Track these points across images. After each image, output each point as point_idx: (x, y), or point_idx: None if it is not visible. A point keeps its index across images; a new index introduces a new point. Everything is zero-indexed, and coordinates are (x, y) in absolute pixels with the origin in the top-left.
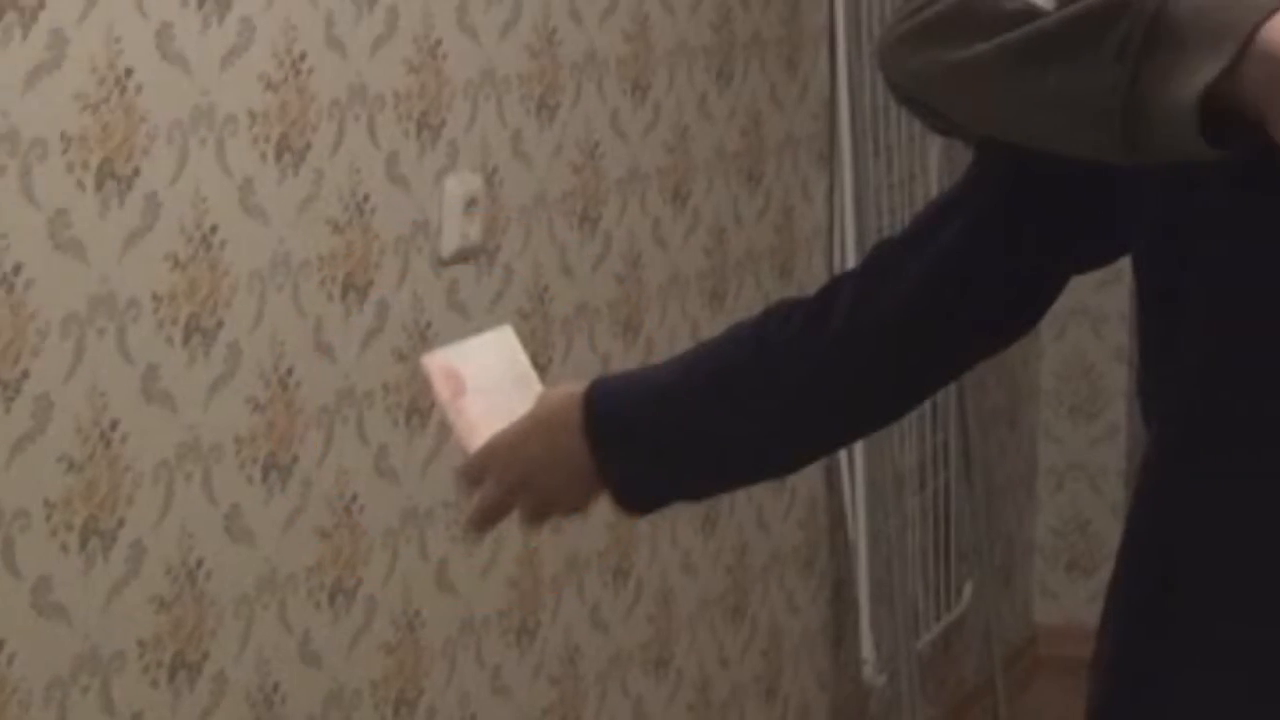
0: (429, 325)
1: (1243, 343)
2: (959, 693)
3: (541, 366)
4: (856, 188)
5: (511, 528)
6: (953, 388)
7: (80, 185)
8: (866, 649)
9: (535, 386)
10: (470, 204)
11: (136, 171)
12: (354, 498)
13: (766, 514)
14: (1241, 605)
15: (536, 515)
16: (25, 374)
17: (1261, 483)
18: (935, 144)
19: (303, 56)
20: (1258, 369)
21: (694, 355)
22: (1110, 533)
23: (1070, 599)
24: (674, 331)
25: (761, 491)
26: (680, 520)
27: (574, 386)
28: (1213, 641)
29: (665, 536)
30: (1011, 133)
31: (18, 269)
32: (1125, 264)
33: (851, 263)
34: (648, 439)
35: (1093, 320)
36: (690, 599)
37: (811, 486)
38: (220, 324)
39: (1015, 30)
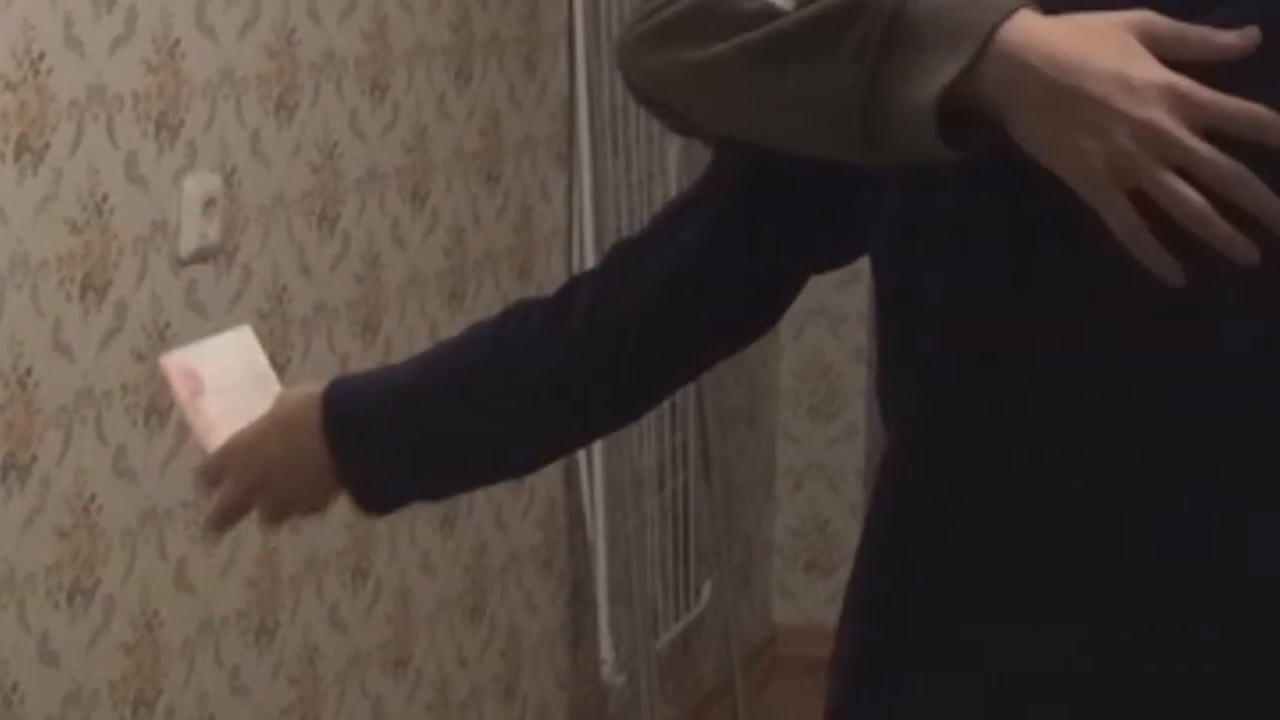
0: (168, 325)
1: (979, 344)
2: (698, 693)
3: (280, 366)
4: (595, 188)
5: (250, 527)
6: (691, 387)
7: None
8: (605, 649)
9: (274, 386)
10: (209, 204)
11: None
12: (92, 497)
13: (505, 514)
14: (978, 604)
15: (275, 515)
16: None
17: (996, 483)
18: (674, 144)
19: (41, 56)
20: (993, 370)
21: (433, 355)
22: (849, 532)
23: (809, 599)
24: (413, 331)
25: (500, 491)
26: (419, 520)
27: (313, 386)
28: (950, 641)
29: (404, 537)
30: (751, 132)
31: None
32: (864, 264)
33: (590, 262)
34: (386, 439)
35: (831, 320)
36: (429, 599)
37: (550, 486)
38: None
39: (754, 30)
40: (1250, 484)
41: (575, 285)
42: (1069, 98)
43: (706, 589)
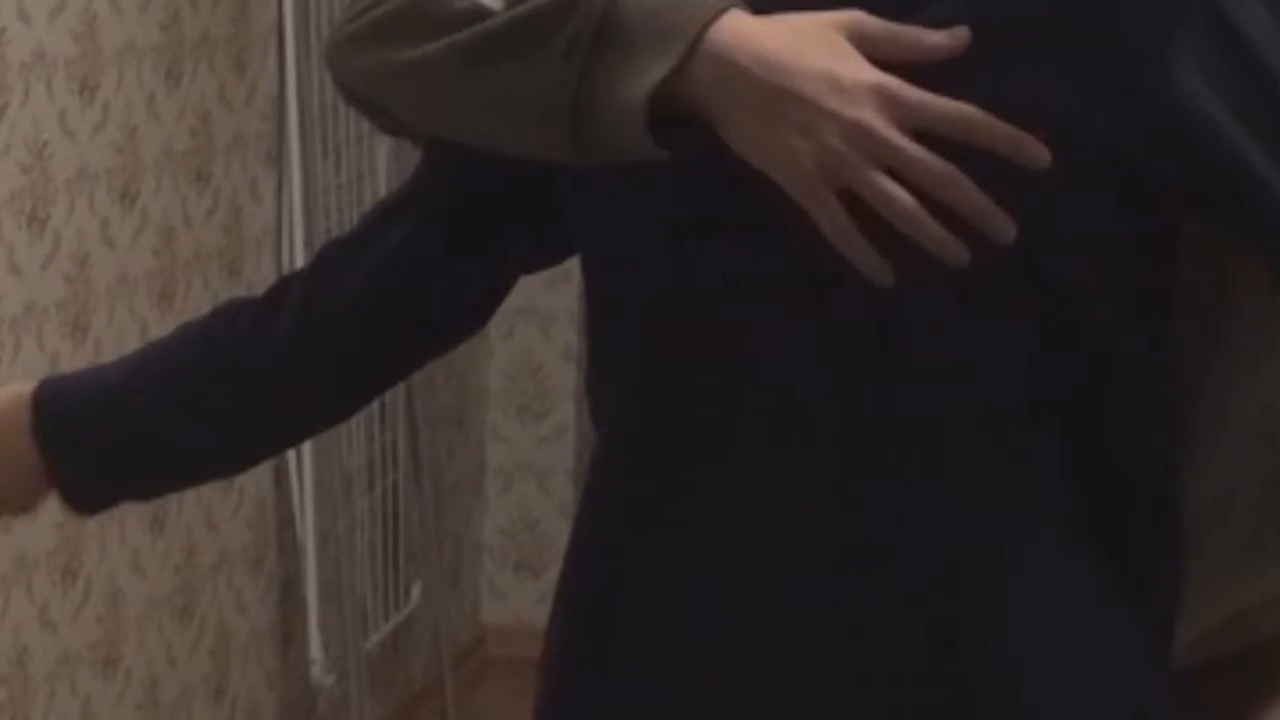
0: None
1: (686, 344)
2: (408, 692)
3: None
4: (305, 188)
5: None
6: (401, 387)
7: None
8: (315, 649)
9: None
10: None
11: None
12: None
13: (215, 513)
14: (685, 605)
15: None
16: None
17: (702, 483)
18: (384, 144)
19: None
20: (699, 370)
21: (143, 355)
22: (559, 532)
23: (519, 599)
24: (123, 332)
25: (210, 491)
26: (129, 520)
27: (22, 387)
28: (656, 641)
29: (114, 536)
30: (462, 133)
31: None
32: (574, 264)
33: (300, 262)
34: (95, 439)
35: (541, 320)
36: (139, 599)
37: (260, 486)
38: None
39: (465, 30)
40: (940, 483)
41: (284, 285)
42: (778, 98)
43: (416, 589)
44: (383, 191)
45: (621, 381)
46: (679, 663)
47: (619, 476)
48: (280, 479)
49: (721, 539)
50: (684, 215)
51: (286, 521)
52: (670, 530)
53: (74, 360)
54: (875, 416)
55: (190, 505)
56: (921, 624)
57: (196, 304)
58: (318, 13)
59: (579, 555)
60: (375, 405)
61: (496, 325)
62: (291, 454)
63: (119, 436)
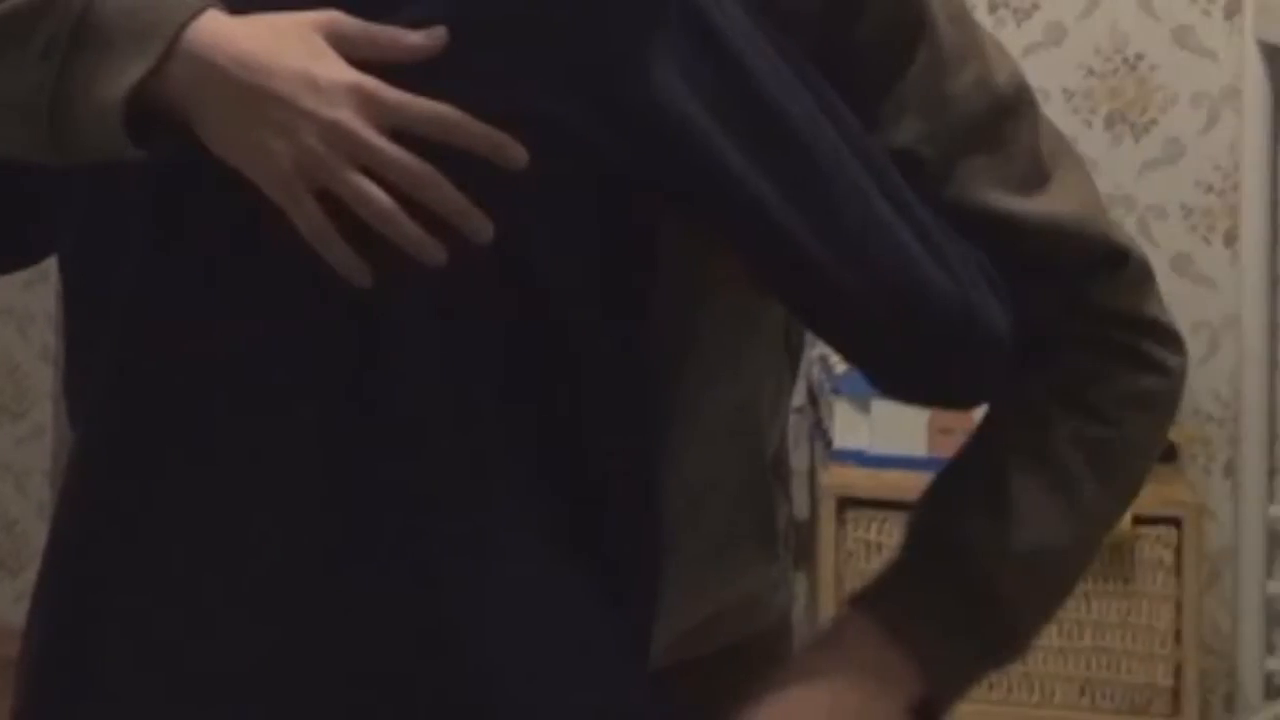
0: None
1: (166, 345)
2: None
3: None
4: None
5: None
6: None
7: None
8: None
9: None
10: None
11: None
12: None
13: None
14: (167, 607)
15: None
16: None
17: (180, 485)
18: None
19: None
20: (177, 372)
21: None
22: (36, 533)
23: None
24: None
25: None
26: None
27: None
28: (136, 642)
29: None
30: None
31: None
32: (52, 263)
33: None
34: None
35: (19, 320)
36: None
37: None
38: None
39: None
40: (419, 483)
41: None
42: (256, 98)
43: None
44: None
45: (98, 382)
46: (160, 663)
47: (96, 477)
48: None
49: (203, 539)
50: (164, 215)
51: None
52: (150, 531)
53: None
54: (355, 417)
55: None
56: (403, 624)
57: None
58: None
59: (56, 555)
60: None
61: None
62: None
63: None
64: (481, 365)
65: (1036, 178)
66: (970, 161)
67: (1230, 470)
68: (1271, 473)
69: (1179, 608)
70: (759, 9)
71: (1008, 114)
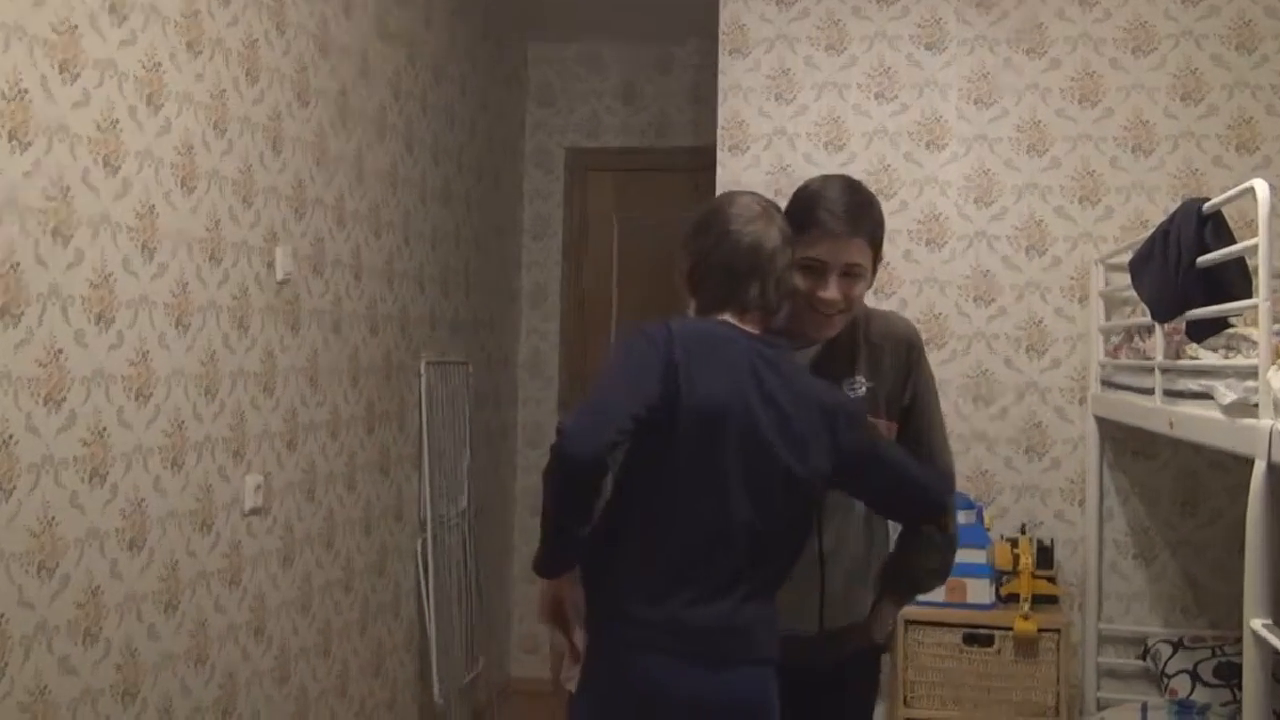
0: None
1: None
2: None
3: None
4: None
5: None
6: None
7: None
8: None
9: None
10: None
11: None
12: None
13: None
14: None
15: None
16: None
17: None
18: None
19: None
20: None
21: None
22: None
23: None
24: None
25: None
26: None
27: None
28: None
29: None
30: None
31: None
32: None
33: None
34: None
35: None
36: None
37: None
38: None
39: None
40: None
41: None
42: None
43: None
44: None
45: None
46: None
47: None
48: None
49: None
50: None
51: None
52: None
53: None
54: (755, 548)
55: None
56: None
57: None
58: None
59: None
60: None
61: None
62: None
63: None
64: (797, 538)
65: (944, 439)
66: (928, 418)
67: (1082, 608)
68: (1099, 608)
69: (1058, 670)
70: (875, 368)
71: (937, 403)
